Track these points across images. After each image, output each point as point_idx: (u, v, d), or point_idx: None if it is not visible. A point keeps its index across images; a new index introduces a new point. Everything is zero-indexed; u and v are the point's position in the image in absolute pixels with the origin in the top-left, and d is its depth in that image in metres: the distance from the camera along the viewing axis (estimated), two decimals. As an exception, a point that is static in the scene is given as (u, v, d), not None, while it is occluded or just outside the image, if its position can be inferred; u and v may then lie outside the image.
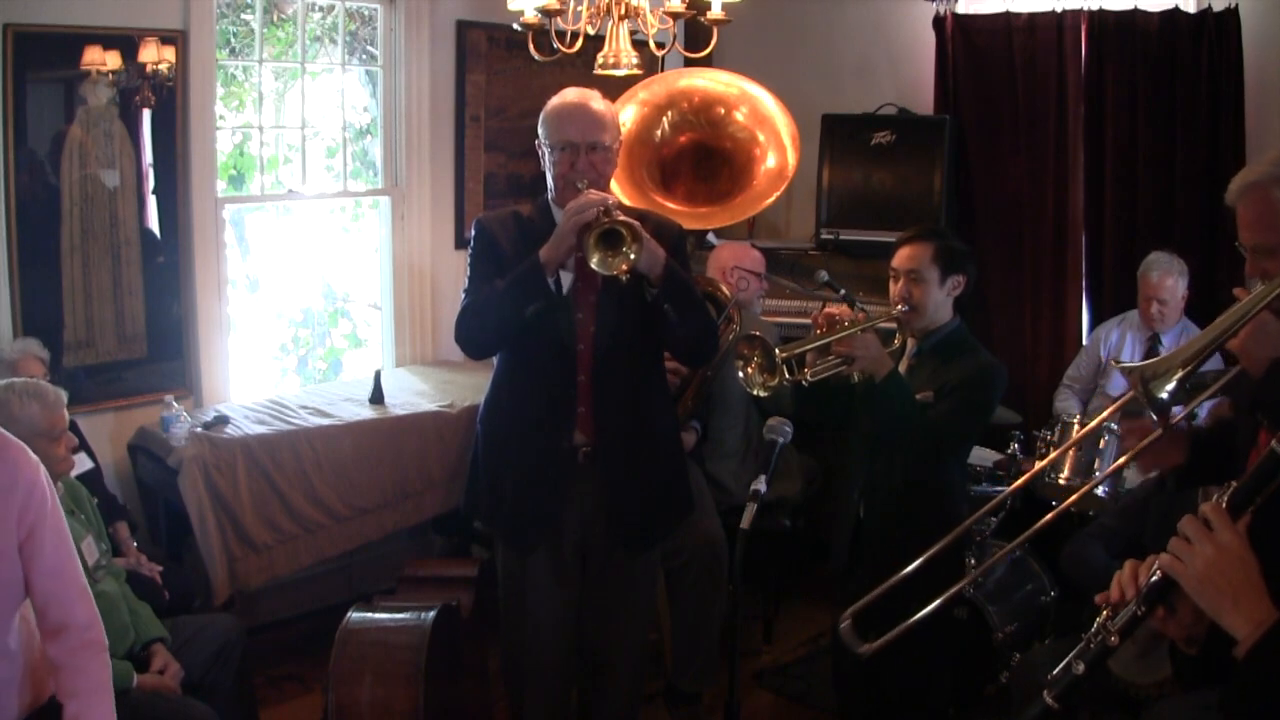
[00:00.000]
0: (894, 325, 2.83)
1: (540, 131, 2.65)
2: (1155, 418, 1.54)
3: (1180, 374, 1.49)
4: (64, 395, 2.70)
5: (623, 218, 2.43)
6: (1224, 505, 1.33)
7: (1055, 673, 1.44)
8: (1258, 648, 1.25)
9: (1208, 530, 1.30)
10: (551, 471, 2.66)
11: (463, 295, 2.69)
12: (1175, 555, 1.32)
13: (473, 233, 2.73)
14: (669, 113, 4.47)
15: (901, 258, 2.79)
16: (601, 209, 2.43)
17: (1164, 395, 1.49)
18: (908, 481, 2.76)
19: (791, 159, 4.29)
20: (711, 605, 3.44)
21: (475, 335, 2.65)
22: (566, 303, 2.59)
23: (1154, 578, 1.38)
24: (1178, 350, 1.53)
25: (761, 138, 4.40)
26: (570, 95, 2.63)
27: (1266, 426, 1.67)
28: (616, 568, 2.77)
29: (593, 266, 2.41)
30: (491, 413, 2.79)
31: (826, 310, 2.76)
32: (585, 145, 2.57)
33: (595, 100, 2.63)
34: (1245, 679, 1.28)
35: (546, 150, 2.63)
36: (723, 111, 4.46)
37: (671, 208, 4.25)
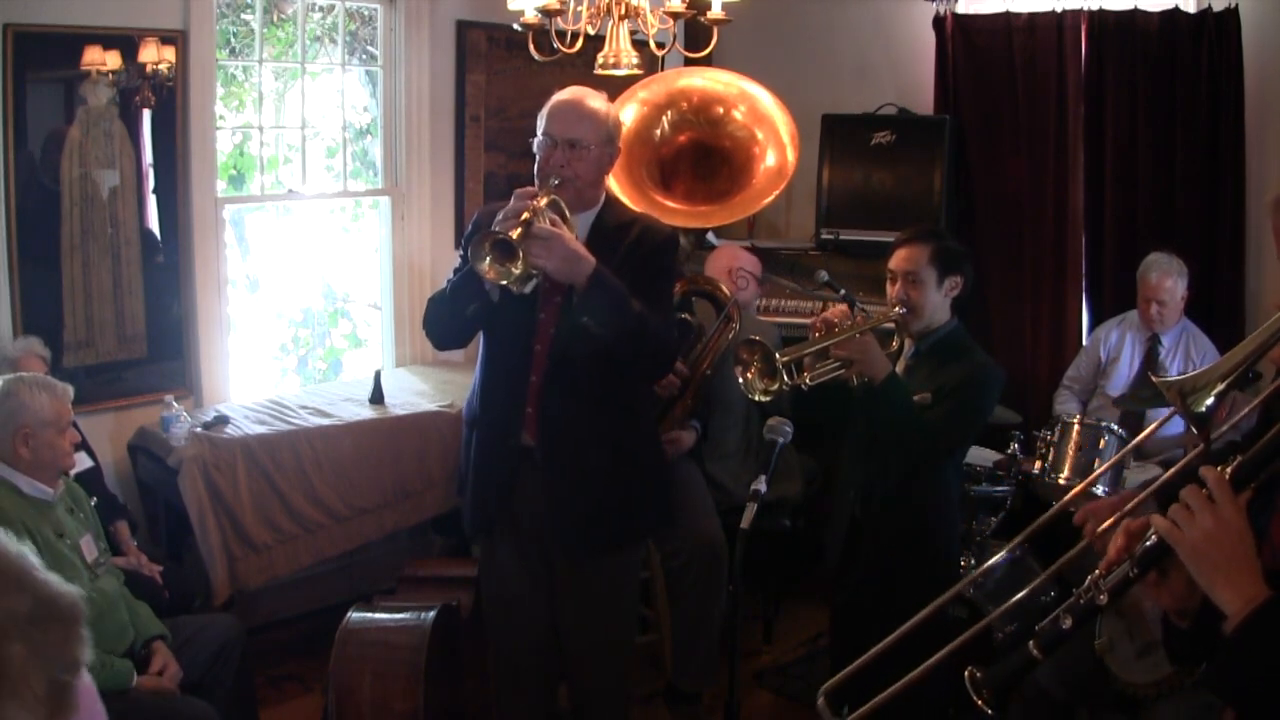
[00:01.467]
0: (892, 326, 2.82)
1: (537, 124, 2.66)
2: (1198, 433, 1.52)
3: (1220, 387, 1.46)
4: (70, 390, 2.72)
5: (539, 227, 2.33)
6: (1228, 476, 1.31)
7: (1043, 624, 1.43)
8: (1246, 625, 1.24)
9: (1209, 501, 1.29)
10: (500, 467, 2.66)
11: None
12: (1174, 522, 1.30)
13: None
14: (668, 112, 4.46)
15: (898, 259, 2.79)
16: (524, 216, 2.34)
17: (1204, 409, 1.47)
18: (903, 482, 2.76)
19: (791, 157, 4.29)
20: (712, 605, 3.44)
21: (431, 326, 2.67)
22: (534, 301, 2.56)
23: (1150, 541, 1.37)
24: (1217, 363, 1.50)
25: (760, 136, 4.40)
26: (567, 91, 2.61)
27: None
28: (584, 571, 2.72)
29: (480, 271, 2.33)
30: (469, 404, 2.81)
31: (824, 314, 2.75)
32: (564, 141, 2.53)
33: (590, 99, 2.58)
34: (1232, 656, 1.27)
35: (535, 140, 2.62)
36: (721, 111, 4.46)
37: (671, 206, 4.25)
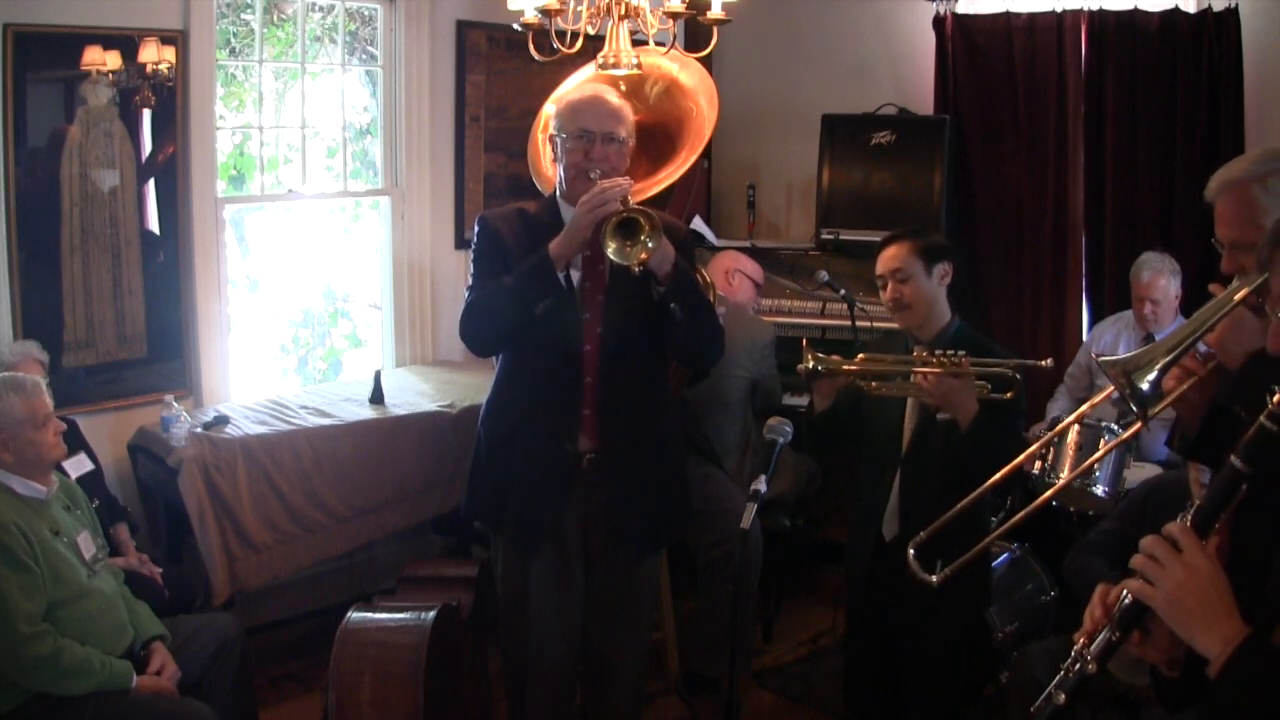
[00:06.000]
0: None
1: (554, 124, 2.64)
2: (1136, 411, 1.55)
3: (1163, 362, 1.51)
4: (41, 382, 2.71)
5: (640, 206, 2.41)
6: (1189, 525, 1.32)
7: (1038, 704, 1.42)
8: (1229, 665, 1.24)
9: (1176, 551, 1.29)
10: (555, 476, 2.62)
11: (466, 293, 2.66)
12: (1144, 578, 1.30)
13: (476, 229, 2.70)
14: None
15: (883, 261, 2.81)
16: (619, 198, 2.41)
17: (1145, 387, 1.50)
18: (942, 497, 2.70)
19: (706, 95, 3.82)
20: (748, 592, 3.51)
21: (481, 332, 2.61)
22: (574, 301, 2.56)
23: (1126, 601, 1.36)
24: (1159, 343, 1.54)
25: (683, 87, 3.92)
26: (588, 88, 2.64)
27: (1244, 421, 1.67)
28: (619, 572, 2.74)
29: (609, 256, 2.38)
30: (495, 415, 2.74)
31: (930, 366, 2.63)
32: (601, 135, 2.55)
33: (611, 94, 2.62)
34: (1219, 697, 1.27)
35: (560, 140, 2.61)
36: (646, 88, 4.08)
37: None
